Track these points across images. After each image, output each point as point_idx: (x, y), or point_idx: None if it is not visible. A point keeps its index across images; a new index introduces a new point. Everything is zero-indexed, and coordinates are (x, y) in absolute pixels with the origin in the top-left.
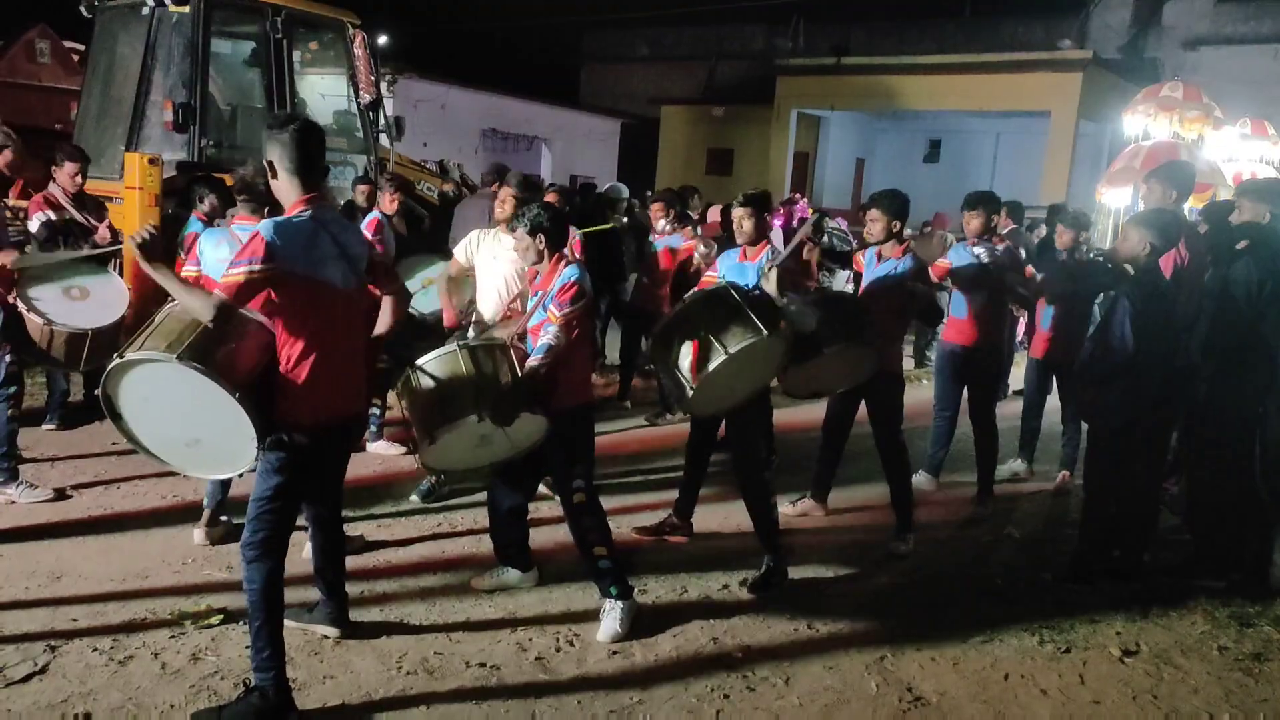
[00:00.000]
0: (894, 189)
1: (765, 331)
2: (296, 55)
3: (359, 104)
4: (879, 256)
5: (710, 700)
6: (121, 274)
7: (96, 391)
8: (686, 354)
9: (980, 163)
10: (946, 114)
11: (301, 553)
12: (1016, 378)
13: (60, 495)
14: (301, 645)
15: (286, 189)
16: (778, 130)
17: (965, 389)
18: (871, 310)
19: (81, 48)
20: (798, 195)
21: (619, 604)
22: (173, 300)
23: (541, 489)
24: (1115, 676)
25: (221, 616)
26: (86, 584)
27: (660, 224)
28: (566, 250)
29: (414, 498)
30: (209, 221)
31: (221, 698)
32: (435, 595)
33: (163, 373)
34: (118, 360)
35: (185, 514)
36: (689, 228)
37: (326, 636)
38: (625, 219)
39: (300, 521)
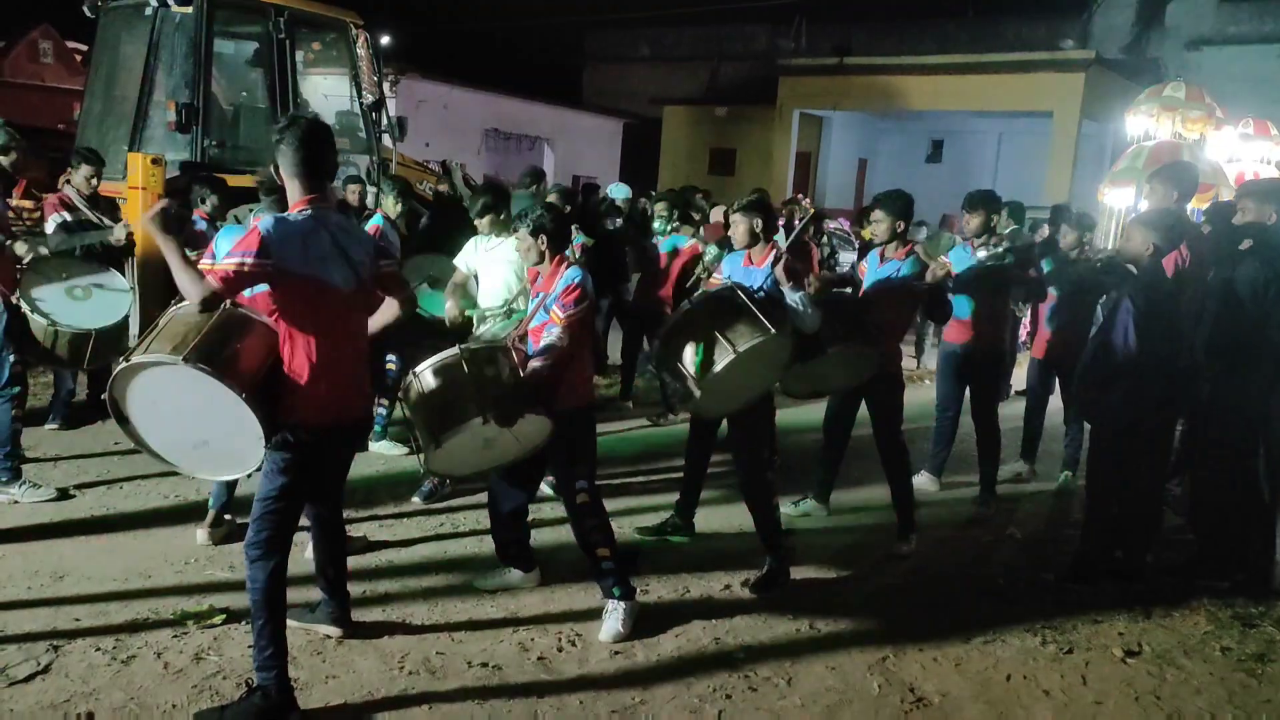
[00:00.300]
0: (898, 190)
1: (773, 330)
2: (299, 55)
3: (362, 104)
4: (881, 257)
5: (712, 700)
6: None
7: (103, 396)
8: (693, 355)
9: (983, 163)
10: (949, 114)
11: (304, 553)
12: (1019, 378)
13: (63, 495)
14: (304, 645)
15: (290, 190)
16: (780, 130)
17: (967, 389)
18: (873, 311)
19: (84, 48)
20: (800, 195)
21: (621, 604)
22: (176, 302)
23: (544, 489)
24: (1118, 677)
25: (224, 616)
26: (89, 584)
27: (656, 224)
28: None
29: (416, 498)
30: (211, 221)
31: (224, 697)
32: (437, 595)
33: (169, 375)
34: (124, 364)
35: (188, 514)
36: (688, 227)
37: (329, 636)
38: (620, 220)
39: (302, 521)
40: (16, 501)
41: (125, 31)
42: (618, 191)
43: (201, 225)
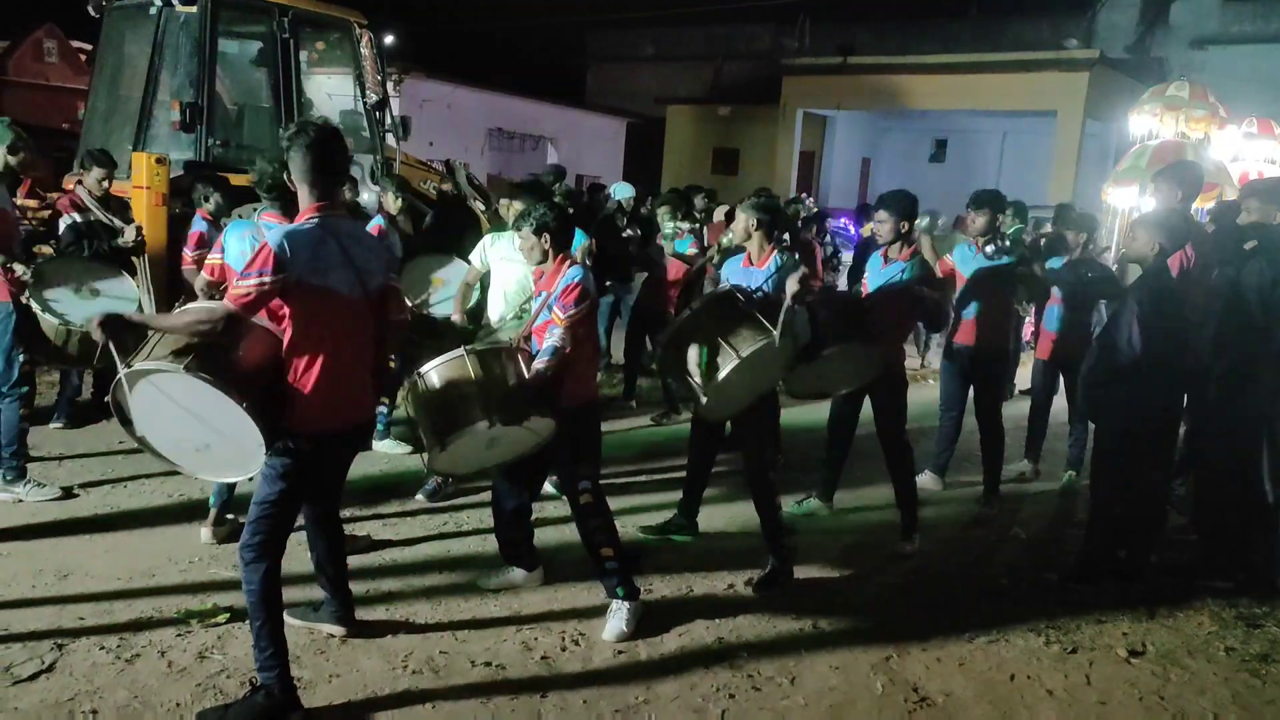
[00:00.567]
0: (902, 190)
1: (775, 333)
2: (303, 55)
3: (365, 104)
4: (885, 258)
5: (716, 700)
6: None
7: (107, 399)
8: (696, 359)
9: (986, 162)
10: (952, 114)
11: (309, 553)
12: (1023, 378)
13: (67, 494)
14: (307, 644)
15: (301, 196)
16: (783, 130)
17: (971, 389)
18: (877, 311)
19: (89, 47)
20: (803, 195)
21: (625, 604)
22: (182, 303)
23: (547, 488)
24: (1122, 677)
25: (228, 615)
26: (93, 582)
27: (668, 229)
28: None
29: (419, 497)
30: (214, 221)
31: (227, 696)
32: (441, 594)
33: (170, 382)
34: (126, 370)
35: (191, 513)
36: (684, 223)
37: (332, 635)
38: (626, 221)
39: (301, 521)
40: (21, 500)
41: (130, 31)
42: (621, 191)
43: (203, 226)
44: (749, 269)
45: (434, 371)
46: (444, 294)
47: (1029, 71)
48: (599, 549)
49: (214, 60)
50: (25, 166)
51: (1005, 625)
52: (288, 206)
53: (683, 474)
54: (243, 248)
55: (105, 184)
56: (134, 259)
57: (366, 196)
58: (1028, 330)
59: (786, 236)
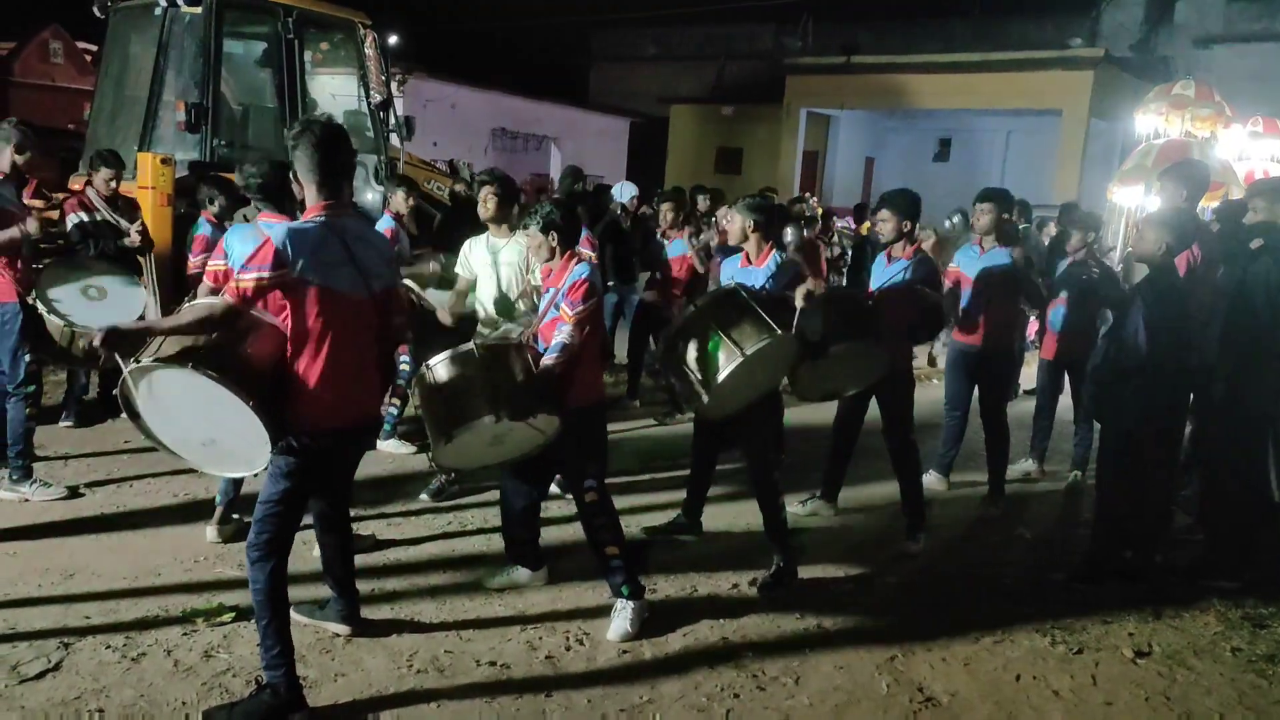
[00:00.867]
0: (904, 189)
1: (779, 332)
2: (308, 55)
3: (369, 104)
4: (889, 257)
5: (720, 699)
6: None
7: (115, 392)
8: (700, 357)
9: (990, 162)
10: (956, 113)
11: (313, 551)
12: (1028, 377)
13: (73, 493)
14: (313, 643)
15: (307, 195)
16: (787, 129)
17: (976, 389)
18: (882, 310)
19: (94, 48)
20: (807, 194)
21: (630, 603)
22: (190, 299)
23: (551, 487)
24: (1128, 678)
25: (233, 614)
26: (99, 581)
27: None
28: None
29: (424, 496)
30: (218, 222)
31: (233, 695)
32: (445, 594)
33: (177, 378)
34: (133, 366)
35: (197, 512)
36: (689, 228)
37: (338, 634)
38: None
39: (308, 519)
40: (27, 500)
41: (135, 32)
42: (625, 191)
43: (207, 230)
44: (748, 269)
45: (442, 365)
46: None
47: (1033, 70)
48: (604, 547)
49: (219, 61)
50: (31, 166)
51: (1011, 625)
52: (282, 204)
53: (686, 474)
54: (245, 250)
55: (113, 184)
56: (140, 258)
57: (370, 197)
58: (1032, 330)
59: (790, 235)
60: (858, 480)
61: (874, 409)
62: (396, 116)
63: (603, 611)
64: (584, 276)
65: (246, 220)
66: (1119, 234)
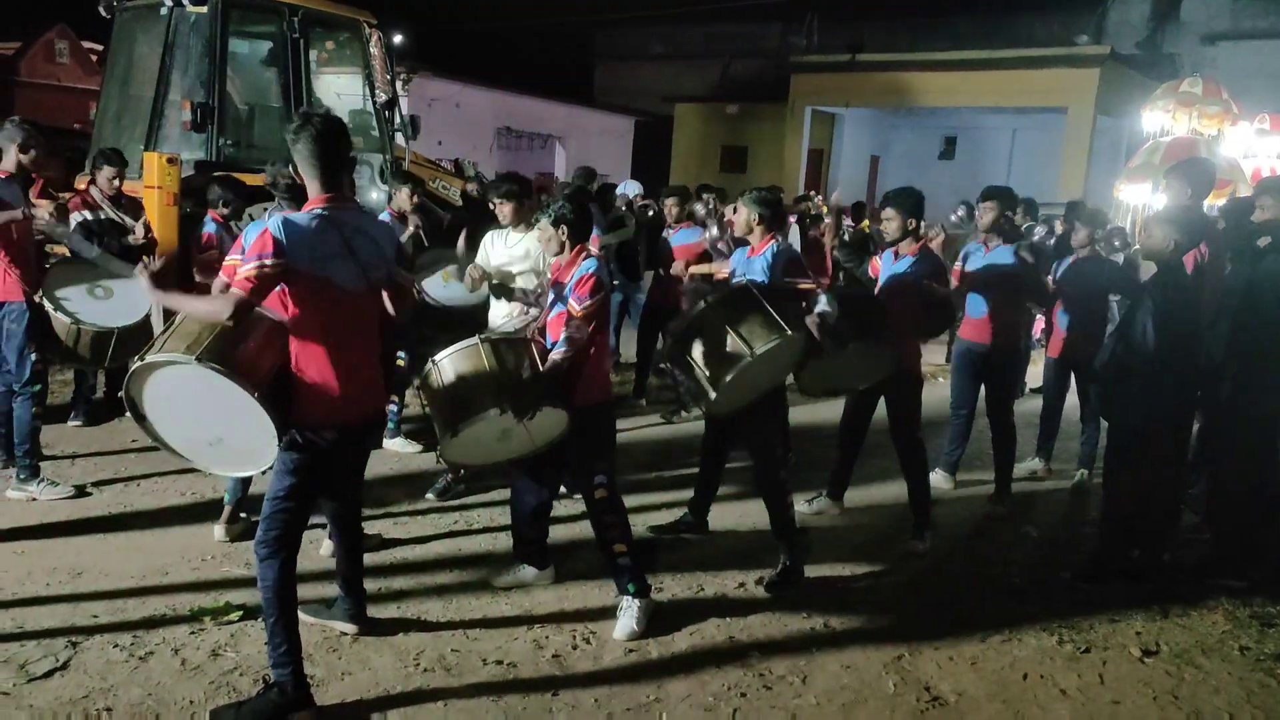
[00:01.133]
0: (908, 186)
1: (789, 332)
2: (313, 55)
3: (375, 103)
4: (895, 254)
5: (727, 698)
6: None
7: (121, 394)
8: (708, 354)
9: (996, 159)
10: (962, 111)
11: (320, 550)
12: (1034, 376)
13: (80, 492)
14: (320, 642)
15: (309, 188)
16: (792, 127)
17: (982, 387)
18: (889, 308)
19: (100, 48)
20: (812, 192)
21: (636, 602)
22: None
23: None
24: (1135, 677)
25: (240, 613)
26: (107, 580)
27: (699, 209)
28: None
29: (430, 495)
30: (224, 222)
31: (241, 694)
32: (452, 592)
33: (183, 374)
34: (139, 363)
35: (205, 511)
36: (692, 220)
37: (345, 633)
38: (642, 213)
39: (319, 519)
40: (35, 499)
41: (141, 31)
42: (629, 189)
43: (212, 228)
44: (751, 259)
45: (448, 359)
46: (449, 289)
47: (1039, 68)
48: (612, 545)
49: (225, 60)
50: (37, 165)
51: (1018, 624)
52: (294, 204)
53: (693, 472)
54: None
55: (116, 182)
56: (144, 258)
57: (376, 196)
58: (1038, 328)
59: (796, 231)
60: (864, 479)
61: (882, 408)
62: (401, 116)
63: (609, 611)
64: (591, 271)
65: (254, 219)
66: (1125, 232)
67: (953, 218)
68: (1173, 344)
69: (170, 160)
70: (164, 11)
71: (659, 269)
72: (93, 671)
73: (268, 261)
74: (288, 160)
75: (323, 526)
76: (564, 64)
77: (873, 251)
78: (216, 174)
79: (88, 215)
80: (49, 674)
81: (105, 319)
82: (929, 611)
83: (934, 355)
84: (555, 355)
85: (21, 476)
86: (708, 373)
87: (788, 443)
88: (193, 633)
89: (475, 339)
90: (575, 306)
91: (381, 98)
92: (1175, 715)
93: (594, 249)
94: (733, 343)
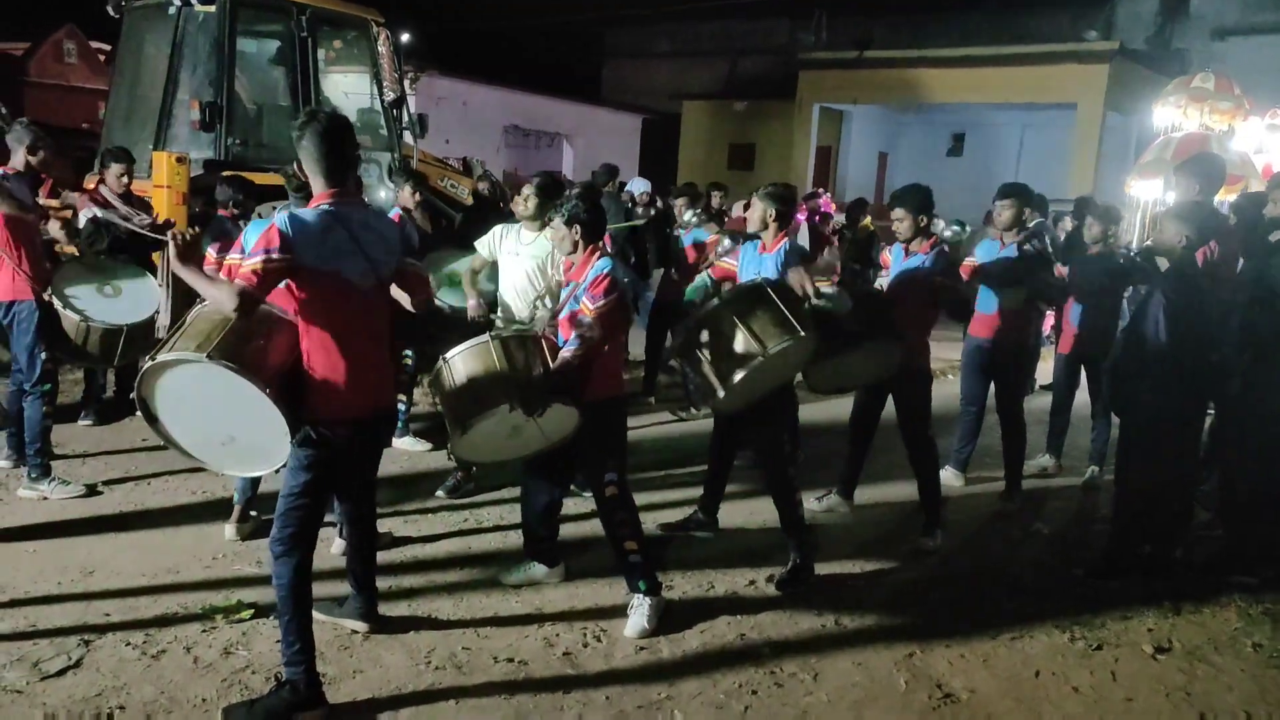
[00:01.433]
0: (915, 184)
1: (801, 333)
2: (321, 53)
3: (383, 101)
4: (906, 251)
5: (738, 696)
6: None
7: (132, 395)
8: (718, 351)
9: (1005, 156)
10: (970, 107)
11: (330, 548)
12: (1044, 372)
13: (91, 491)
14: (331, 640)
15: (314, 185)
16: (800, 125)
17: (992, 384)
18: (899, 305)
19: (108, 48)
20: (820, 190)
21: (647, 599)
22: (201, 301)
23: None
24: (1148, 674)
25: (252, 611)
26: (118, 579)
27: (687, 216)
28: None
29: (440, 494)
30: (234, 220)
31: (253, 692)
32: (463, 591)
33: (195, 373)
34: (150, 363)
35: (215, 509)
36: (712, 223)
37: (356, 631)
38: (645, 211)
39: (330, 517)
40: (46, 498)
41: (149, 31)
42: (637, 186)
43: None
44: (762, 255)
45: (459, 357)
46: (455, 292)
47: (1048, 64)
48: (623, 542)
49: (233, 59)
50: (45, 166)
51: (1029, 621)
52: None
53: (702, 470)
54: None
55: (125, 179)
56: (154, 257)
57: (384, 195)
58: (1048, 325)
59: (806, 231)
60: (874, 476)
61: (891, 405)
62: (409, 114)
63: (620, 608)
64: (606, 271)
65: (261, 217)
66: (1135, 228)
67: (947, 233)
68: (1184, 340)
69: (179, 159)
70: (172, 11)
71: (668, 268)
72: (105, 670)
73: (274, 256)
74: (297, 158)
75: (333, 525)
76: (571, 62)
77: (875, 258)
78: (224, 173)
79: (97, 211)
80: (62, 672)
81: (114, 316)
82: (940, 609)
83: (945, 351)
84: (566, 353)
85: (33, 476)
86: (718, 370)
87: (797, 440)
88: (204, 631)
89: (486, 336)
90: (589, 305)
91: (389, 96)
92: (1188, 712)
93: (608, 247)
94: (745, 341)
